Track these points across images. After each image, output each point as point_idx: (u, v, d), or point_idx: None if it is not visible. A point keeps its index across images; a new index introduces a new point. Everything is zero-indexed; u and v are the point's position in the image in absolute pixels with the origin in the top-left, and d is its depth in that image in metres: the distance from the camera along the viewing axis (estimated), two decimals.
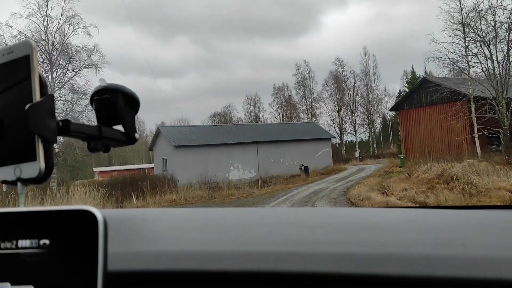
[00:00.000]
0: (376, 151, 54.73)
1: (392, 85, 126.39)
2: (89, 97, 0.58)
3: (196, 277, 0.59)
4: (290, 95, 63.53)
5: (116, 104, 0.56)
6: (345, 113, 57.91)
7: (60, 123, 0.49)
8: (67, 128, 0.49)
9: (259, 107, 69.05)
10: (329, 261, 0.58)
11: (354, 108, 57.45)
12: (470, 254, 0.58)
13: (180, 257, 0.62)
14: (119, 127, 0.58)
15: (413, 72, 52.69)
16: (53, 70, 29.94)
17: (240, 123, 52.13)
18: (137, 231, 0.79)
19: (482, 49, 25.57)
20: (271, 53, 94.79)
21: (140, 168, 50.62)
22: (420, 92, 30.45)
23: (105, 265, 0.42)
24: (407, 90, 41.23)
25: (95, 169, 57.06)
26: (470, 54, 25.82)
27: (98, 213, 0.43)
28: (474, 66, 26.00)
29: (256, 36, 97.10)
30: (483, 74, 25.97)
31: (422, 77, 36.47)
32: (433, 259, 0.56)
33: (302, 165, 31.61)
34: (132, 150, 69.53)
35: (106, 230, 0.43)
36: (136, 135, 0.59)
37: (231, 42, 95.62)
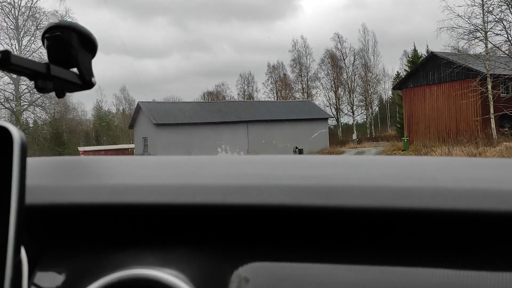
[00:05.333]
0: (374, 133, 52.30)
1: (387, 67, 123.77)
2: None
3: (134, 210, 0.56)
4: (285, 74, 60.72)
5: (69, 43, 0.53)
6: (342, 93, 55.23)
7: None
8: (6, 59, 0.44)
9: (252, 86, 66.31)
10: (286, 193, 0.55)
11: (352, 88, 54.72)
12: (441, 186, 0.55)
13: (118, 190, 0.58)
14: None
15: (415, 51, 49.92)
16: (20, 37, 26.72)
17: (230, 100, 49.03)
18: (79, 168, 0.72)
19: (511, 11, 22.51)
20: (253, 36, 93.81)
21: (128, 148, 48.39)
22: (427, 69, 27.80)
23: (21, 191, 0.39)
24: (407, 70, 38.40)
25: (80, 148, 54.74)
26: (492, 20, 22.78)
27: (15, 130, 0.39)
28: (498, 34, 22.95)
29: (235, 19, 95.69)
30: (508, 44, 22.95)
31: (423, 55, 33.63)
32: (402, 191, 0.54)
33: (297, 148, 29.08)
34: (122, 129, 66.80)
35: (24, 152, 0.39)
36: (93, 79, 0.56)
37: (210, 25, 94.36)
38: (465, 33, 23.48)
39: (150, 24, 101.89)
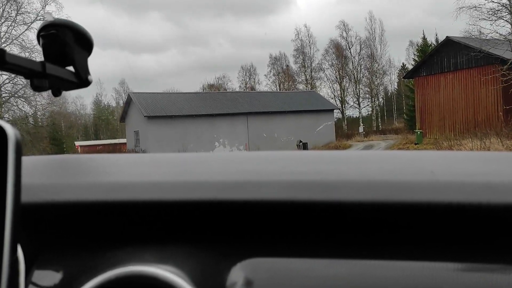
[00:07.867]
0: (380, 126, 50.12)
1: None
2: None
3: (131, 208, 0.56)
4: (287, 65, 58.48)
5: (65, 41, 0.53)
6: (347, 84, 52.96)
7: None
8: (1, 58, 0.43)
9: (254, 79, 64.10)
10: (283, 188, 0.55)
11: (358, 78, 52.42)
12: (439, 180, 0.56)
13: (115, 187, 0.59)
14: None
15: (424, 39, 47.58)
16: (0, 22, 24.53)
17: (229, 91, 46.74)
18: (75, 167, 0.74)
19: None
20: (249, 31, 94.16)
21: (125, 143, 46.56)
22: (442, 56, 25.50)
23: (17, 189, 0.39)
24: (412, 64, 35.96)
25: (76, 143, 53.06)
26: None
27: (9, 128, 0.39)
28: None
29: (229, 13, 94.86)
30: None
31: (433, 44, 31.16)
32: (399, 185, 0.55)
33: (300, 141, 26.97)
34: (120, 123, 65.02)
35: (20, 150, 0.39)
36: (89, 78, 0.56)
37: (205, 20, 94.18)
38: (490, 12, 21.14)
39: (145, 19, 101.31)
